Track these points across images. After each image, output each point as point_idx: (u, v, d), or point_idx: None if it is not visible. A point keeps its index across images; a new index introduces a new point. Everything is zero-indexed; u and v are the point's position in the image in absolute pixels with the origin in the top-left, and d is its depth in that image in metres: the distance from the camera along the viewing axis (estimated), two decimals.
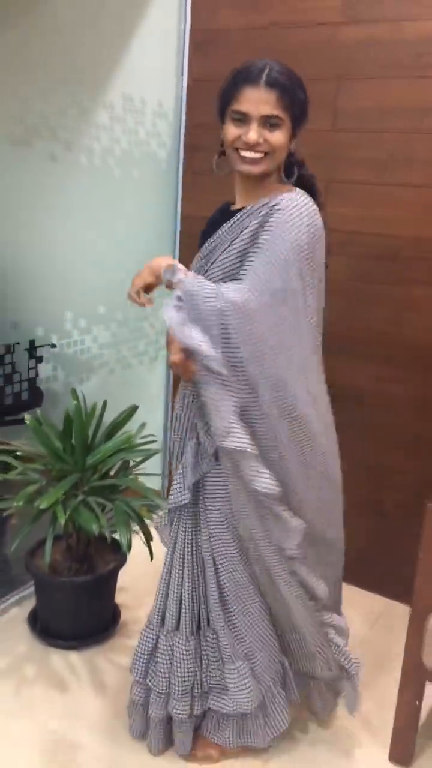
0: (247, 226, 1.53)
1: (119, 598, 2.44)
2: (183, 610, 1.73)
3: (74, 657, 2.23)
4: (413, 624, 1.77)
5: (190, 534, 1.70)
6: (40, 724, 1.96)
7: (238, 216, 1.57)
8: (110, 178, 2.53)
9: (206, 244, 1.62)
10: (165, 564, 1.77)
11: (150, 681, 1.78)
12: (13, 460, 2.15)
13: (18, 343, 2.40)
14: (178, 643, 1.73)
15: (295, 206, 1.49)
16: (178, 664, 1.73)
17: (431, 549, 1.73)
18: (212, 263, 1.59)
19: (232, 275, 1.54)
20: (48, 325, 2.44)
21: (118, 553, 2.34)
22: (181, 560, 1.72)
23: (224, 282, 1.53)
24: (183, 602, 1.73)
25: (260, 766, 1.86)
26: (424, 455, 2.43)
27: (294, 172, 1.59)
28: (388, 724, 1.92)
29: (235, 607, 1.70)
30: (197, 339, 1.42)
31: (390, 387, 2.49)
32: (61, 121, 2.28)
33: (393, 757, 1.89)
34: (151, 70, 2.60)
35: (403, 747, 1.88)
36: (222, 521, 1.66)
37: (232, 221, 1.58)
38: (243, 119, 1.49)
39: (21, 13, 2.12)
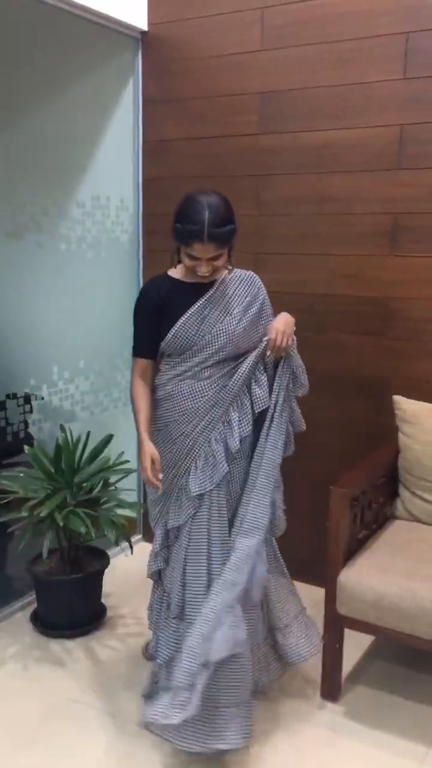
0: (247, 291, 2.27)
1: (105, 601, 2.96)
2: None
3: (70, 643, 2.74)
4: (328, 582, 2.33)
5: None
6: (47, 689, 2.47)
7: (217, 287, 2.22)
8: (84, 259, 3.18)
9: (200, 305, 2.19)
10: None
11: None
12: (13, 485, 2.70)
13: (15, 394, 2.99)
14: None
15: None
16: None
17: (336, 523, 2.32)
18: (219, 314, 2.21)
19: (242, 322, 2.23)
20: (38, 377, 3.04)
21: (103, 559, 2.89)
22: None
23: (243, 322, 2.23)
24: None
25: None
26: (348, 466, 3.01)
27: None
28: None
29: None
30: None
31: (318, 413, 3.09)
32: (45, 218, 2.95)
33: (323, 694, 2.42)
34: (113, 173, 3.29)
35: (330, 684, 2.41)
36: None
37: (215, 289, 2.21)
38: (196, 258, 2.10)
39: (5, 137, 2.80)
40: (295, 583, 3.16)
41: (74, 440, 2.82)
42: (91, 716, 2.33)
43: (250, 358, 2.21)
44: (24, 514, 2.55)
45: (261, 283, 2.34)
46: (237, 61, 3.05)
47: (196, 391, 2.22)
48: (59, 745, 2.20)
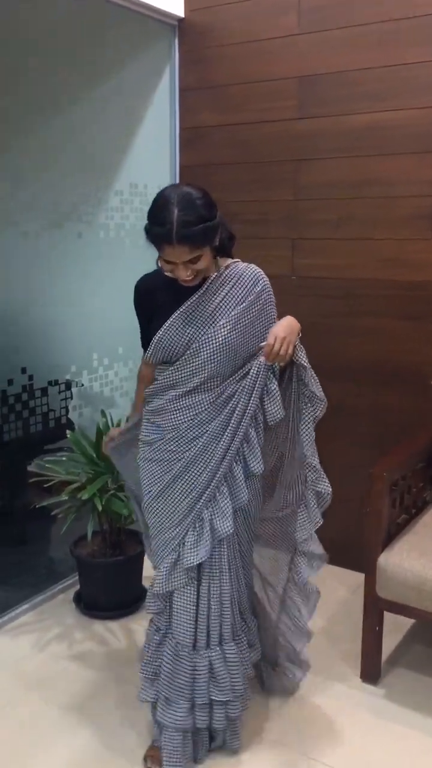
0: (247, 291, 1.92)
1: (146, 583, 3.01)
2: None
3: (112, 624, 2.79)
4: (368, 565, 2.34)
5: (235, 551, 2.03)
6: (90, 668, 2.53)
7: (207, 286, 1.90)
8: (122, 246, 3.22)
9: (182, 311, 1.90)
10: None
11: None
12: (58, 468, 2.76)
13: (57, 380, 3.05)
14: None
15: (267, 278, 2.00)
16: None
17: (374, 506, 2.32)
18: (208, 318, 1.90)
19: (237, 326, 1.91)
20: (79, 363, 3.09)
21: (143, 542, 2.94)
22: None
23: (239, 327, 1.91)
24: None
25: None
26: (387, 452, 3.01)
27: (222, 248, 1.94)
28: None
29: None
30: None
31: (355, 399, 3.09)
32: (85, 207, 2.98)
33: (363, 676, 2.44)
34: (151, 161, 3.31)
35: (370, 667, 2.42)
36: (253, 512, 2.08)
37: (204, 290, 1.90)
38: (172, 261, 1.82)
39: (46, 127, 2.83)
40: (334, 568, 3.21)
41: (114, 425, 2.86)
42: (133, 695, 2.38)
43: (255, 367, 1.92)
44: (64, 497, 2.60)
45: (266, 280, 1.99)
46: (274, 46, 3.04)
47: (192, 405, 1.94)
48: (104, 724, 2.25)
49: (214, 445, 1.95)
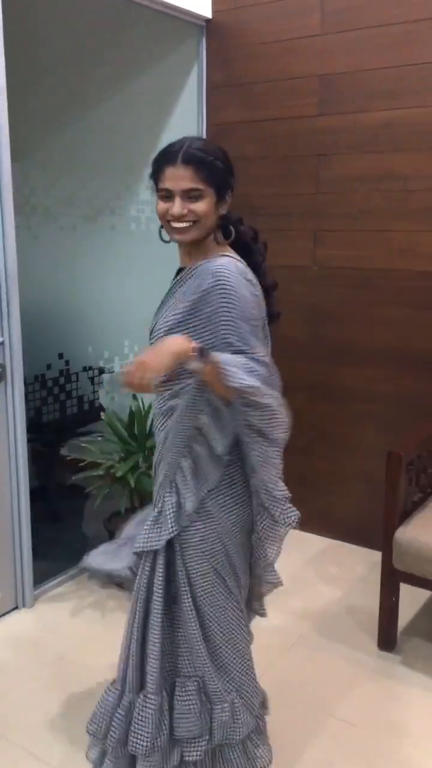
0: (199, 283, 1.61)
1: None
2: (151, 666, 1.69)
3: None
4: (385, 538, 2.48)
5: (161, 579, 1.67)
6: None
7: (181, 276, 1.70)
8: (153, 238, 3.36)
9: (164, 298, 1.74)
10: (135, 615, 1.73)
11: (109, 742, 1.74)
12: (92, 448, 2.93)
13: (90, 366, 3.22)
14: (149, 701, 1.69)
15: (232, 277, 1.58)
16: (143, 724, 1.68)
17: (392, 483, 2.46)
18: (160, 317, 1.68)
19: (173, 330, 1.61)
20: (112, 349, 3.26)
21: None
22: (157, 610, 1.68)
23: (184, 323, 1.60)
24: (152, 658, 1.68)
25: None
26: (404, 435, 3.15)
27: (231, 232, 1.70)
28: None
29: (224, 647, 1.72)
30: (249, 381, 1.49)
31: (374, 385, 3.23)
32: (117, 201, 3.15)
33: (380, 644, 2.59)
34: None
35: (386, 635, 2.57)
36: (204, 559, 1.67)
37: (180, 276, 1.70)
38: (169, 195, 1.62)
39: (80, 125, 3.00)
40: (353, 546, 3.36)
41: (146, 408, 3.03)
42: None
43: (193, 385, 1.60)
44: (100, 472, 2.78)
45: (221, 281, 1.57)
46: (298, 46, 3.17)
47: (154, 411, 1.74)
48: None
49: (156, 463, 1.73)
